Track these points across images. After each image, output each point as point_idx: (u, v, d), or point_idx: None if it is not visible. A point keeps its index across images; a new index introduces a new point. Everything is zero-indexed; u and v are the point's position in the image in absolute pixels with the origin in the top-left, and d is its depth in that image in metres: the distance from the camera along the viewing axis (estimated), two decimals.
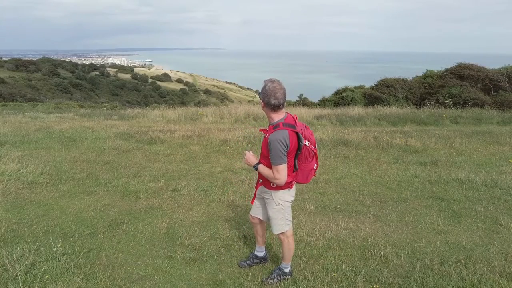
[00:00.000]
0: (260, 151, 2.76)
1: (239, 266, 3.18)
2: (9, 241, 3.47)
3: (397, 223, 4.11)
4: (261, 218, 3.02)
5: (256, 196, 2.98)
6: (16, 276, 2.85)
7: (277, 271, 3.01)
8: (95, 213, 4.24)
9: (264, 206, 2.94)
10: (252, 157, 2.76)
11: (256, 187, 2.94)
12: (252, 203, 3.03)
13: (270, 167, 2.63)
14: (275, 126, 2.54)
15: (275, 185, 2.73)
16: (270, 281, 2.94)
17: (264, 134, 2.68)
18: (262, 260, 3.22)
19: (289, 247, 2.92)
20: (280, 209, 2.80)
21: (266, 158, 2.65)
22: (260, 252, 3.20)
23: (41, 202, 4.52)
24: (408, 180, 5.66)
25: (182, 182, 5.42)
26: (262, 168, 2.69)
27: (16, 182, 5.08)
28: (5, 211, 4.19)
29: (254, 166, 2.73)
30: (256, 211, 3.03)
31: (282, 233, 2.86)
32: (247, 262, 3.19)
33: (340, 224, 4.04)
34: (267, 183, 2.78)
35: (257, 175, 2.88)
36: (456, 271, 3.05)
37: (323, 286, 2.89)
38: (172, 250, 3.44)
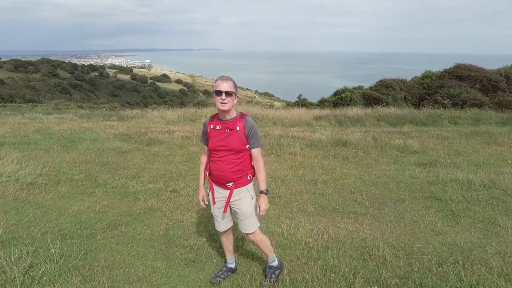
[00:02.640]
0: (221, 148, 2.63)
1: (211, 282, 2.96)
2: (7, 242, 3.46)
3: (396, 224, 4.11)
4: (231, 226, 2.95)
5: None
6: (14, 278, 2.85)
7: (269, 270, 3.01)
8: (94, 214, 4.24)
9: (229, 212, 2.86)
10: (265, 199, 2.67)
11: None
12: (225, 211, 2.80)
13: (244, 160, 2.68)
14: (241, 116, 2.66)
15: (251, 177, 2.77)
16: (269, 282, 2.93)
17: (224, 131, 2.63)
18: (234, 271, 3.11)
19: (264, 243, 2.92)
20: (255, 203, 2.78)
21: (239, 152, 2.63)
22: (233, 263, 3.10)
23: (40, 203, 4.51)
24: (406, 180, 5.66)
25: (181, 183, 5.42)
26: (263, 175, 2.70)
27: (14, 183, 5.08)
28: (4, 212, 4.19)
29: (266, 192, 2.69)
30: (227, 223, 2.89)
31: (253, 232, 2.80)
32: (222, 276, 3.01)
33: (338, 225, 4.04)
34: (243, 179, 2.71)
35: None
36: (454, 272, 3.05)
37: (321, 287, 2.89)
38: (171, 251, 3.44)
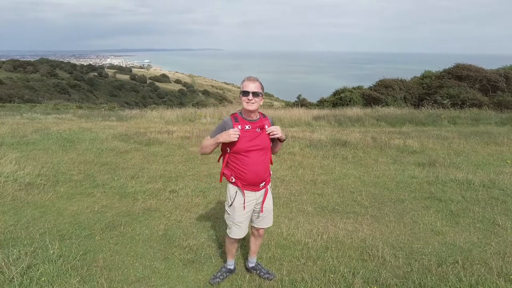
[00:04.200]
0: (255, 148, 2.63)
1: (210, 283, 2.95)
2: (6, 243, 3.45)
3: (395, 224, 4.11)
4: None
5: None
6: (13, 278, 2.84)
7: (258, 266, 3.08)
8: (93, 214, 4.22)
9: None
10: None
11: (244, 199, 2.75)
12: (262, 211, 2.81)
13: (271, 159, 2.80)
14: (263, 115, 2.73)
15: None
16: (268, 275, 3.00)
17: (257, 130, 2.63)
18: (233, 272, 3.11)
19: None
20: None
21: (268, 149, 2.71)
22: (232, 265, 3.10)
23: (38, 204, 4.50)
24: (406, 180, 5.66)
25: (180, 183, 5.41)
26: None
27: (13, 183, 5.05)
28: (2, 213, 4.17)
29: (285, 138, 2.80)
30: (247, 228, 2.87)
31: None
32: (220, 277, 3.00)
33: (338, 225, 4.03)
34: (269, 176, 2.82)
35: (262, 189, 2.76)
36: (454, 272, 3.05)
37: (320, 287, 2.88)
38: (170, 251, 3.43)
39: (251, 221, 2.90)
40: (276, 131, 2.62)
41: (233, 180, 2.70)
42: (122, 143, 7.96)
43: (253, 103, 2.55)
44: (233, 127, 2.59)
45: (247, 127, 2.60)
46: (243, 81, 2.61)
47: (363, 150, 7.65)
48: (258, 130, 2.62)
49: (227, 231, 2.86)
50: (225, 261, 3.12)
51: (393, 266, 3.20)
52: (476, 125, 11.68)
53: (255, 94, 2.55)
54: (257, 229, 2.94)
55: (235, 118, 2.64)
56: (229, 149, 2.67)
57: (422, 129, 10.86)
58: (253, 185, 2.70)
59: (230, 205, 2.75)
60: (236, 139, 2.55)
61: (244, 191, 2.70)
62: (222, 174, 2.76)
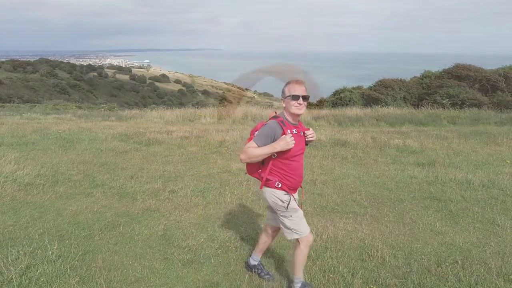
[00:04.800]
0: (300, 152, 2.61)
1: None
2: (5, 243, 3.44)
3: (395, 224, 4.11)
4: None
5: None
6: (11, 279, 2.83)
7: (259, 266, 3.11)
8: (92, 215, 4.22)
9: None
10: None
11: (295, 201, 2.73)
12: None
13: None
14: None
15: None
16: (268, 276, 3.02)
17: (298, 133, 2.60)
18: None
19: None
20: None
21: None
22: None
23: (37, 204, 4.49)
24: (405, 180, 5.66)
25: (179, 183, 5.40)
26: None
27: (12, 184, 5.05)
28: (1, 213, 4.17)
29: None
30: None
31: None
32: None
33: (337, 225, 4.03)
34: None
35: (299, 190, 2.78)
36: (453, 272, 3.05)
37: (320, 287, 2.88)
38: (169, 252, 3.43)
39: (271, 219, 2.87)
40: (313, 134, 2.61)
41: (280, 186, 2.58)
42: (121, 143, 7.95)
43: (302, 107, 2.47)
44: (283, 133, 2.46)
45: (294, 131, 2.53)
46: (288, 83, 2.50)
47: (362, 150, 7.65)
48: (301, 133, 2.57)
49: (300, 234, 2.63)
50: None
51: (393, 266, 3.20)
52: (476, 125, 11.68)
53: (304, 98, 2.45)
54: (274, 229, 2.91)
55: (282, 123, 2.51)
56: (275, 155, 2.52)
57: (421, 129, 10.86)
58: (296, 188, 2.68)
59: (287, 207, 2.60)
60: (293, 145, 2.44)
61: (292, 194, 2.67)
62: (265, 180, 2.60)
